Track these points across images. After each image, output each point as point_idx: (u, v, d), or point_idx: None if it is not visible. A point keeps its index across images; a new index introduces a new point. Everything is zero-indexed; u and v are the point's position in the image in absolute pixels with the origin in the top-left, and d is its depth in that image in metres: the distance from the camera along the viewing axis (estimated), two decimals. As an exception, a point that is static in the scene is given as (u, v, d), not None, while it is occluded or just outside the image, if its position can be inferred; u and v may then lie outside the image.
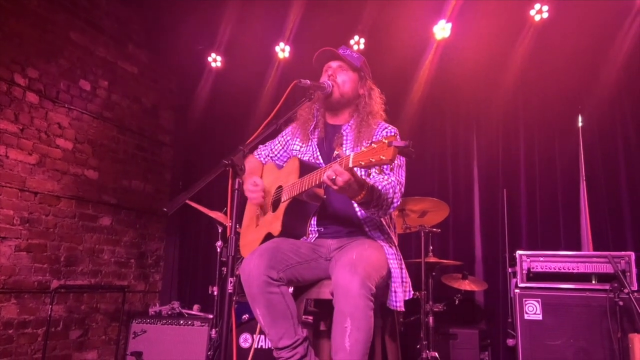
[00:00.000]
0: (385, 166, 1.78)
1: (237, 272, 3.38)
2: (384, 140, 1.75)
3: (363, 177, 2.05)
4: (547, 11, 4.40)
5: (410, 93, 4.83)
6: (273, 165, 2.66)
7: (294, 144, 2.58)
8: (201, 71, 5.73)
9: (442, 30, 4.68)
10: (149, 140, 5.76)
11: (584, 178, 4.34)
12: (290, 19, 5.09)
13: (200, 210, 4.09)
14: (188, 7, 5.14)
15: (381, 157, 1.74)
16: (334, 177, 1.88)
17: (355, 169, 1.88)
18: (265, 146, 2.73)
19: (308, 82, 2.28)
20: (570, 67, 4.45)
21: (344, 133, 2.43)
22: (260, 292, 2.08)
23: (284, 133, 2.66)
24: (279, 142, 2.66)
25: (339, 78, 2.40)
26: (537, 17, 4.44)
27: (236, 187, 1.85)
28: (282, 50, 5.28)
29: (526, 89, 4.65)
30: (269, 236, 2.36)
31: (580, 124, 4.44)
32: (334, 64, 2.45)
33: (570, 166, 4.40)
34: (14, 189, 4.28)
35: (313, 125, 2.51)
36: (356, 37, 4.99)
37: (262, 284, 2.07)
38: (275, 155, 2.67)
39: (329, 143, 2.45)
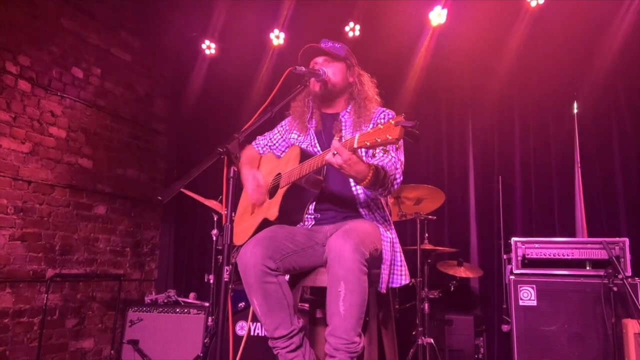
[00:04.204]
0: (391, 146, 1.78)
1: (233, 260, 3.38)
2: (390, 120, 1.75)
3: (364, 157, 2.04)
4: (543, -3, 4.38)
5: (406, 80, 4.80)
6: (272, 155, 2.65)
7: (292, 135, 2.58)
8: (195, 58, 5.68)
9: (437, 16, 4.64)
10: (143, 128, 5.72)
11: (579, 165, 4.34)
12: (285, 5, 5.05)
13: (196, 199, 4.07)
14: (181, -8, 5.10)
15: (387, 136, 1.74)
16: (335, 152, 1.89)
17: (359, 150, 1.88)
18: (264, 136, 2.72)
19: (303, 69, 2.28)
20: (566, 53, 4.43)
21: (343, 119, 2.42)
22: (257, 282, 2.08)
23: (283, 123, 2.66)
24: (278, 132, 2.66)
25: (327, 71, 2.39)
26: (533, 3, 4.42)
27: (231, 175, 1.84)
28: (277, 37, 5.24)
29: (522, 75, 4.63)
30: (265, 222, 2.35)
31: (575, 110, 4.43)
32: (319, 59, 2.44)
33: (565, 153, 4.39)
34: (7, 178, 4.25)
35: (309, 116, 2.50)
36: (351, 24, 4.95)
37: (259, 273, 2.07)
38: (274, 145, 2.67)
39: (327, 131, 2.45)
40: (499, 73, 4.61)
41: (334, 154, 1.90)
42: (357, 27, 4.95)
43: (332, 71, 2.39)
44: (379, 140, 1.76)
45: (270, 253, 2.11)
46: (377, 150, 1.88)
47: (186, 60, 5.81)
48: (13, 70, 4.32)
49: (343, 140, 1.92)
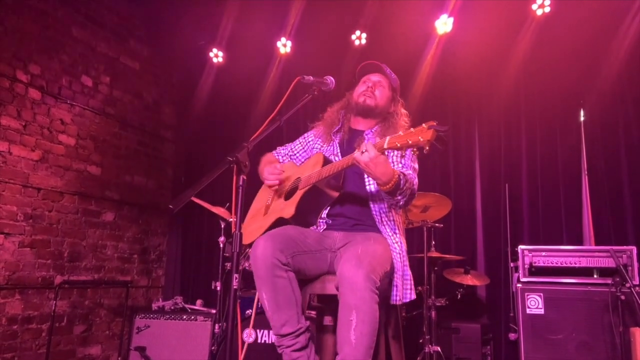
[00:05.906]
0: (409, 150, 1.82)
1: (241, 268, 3.40)
2: (423, 124, 1.80)
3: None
4: (549, 5, 4.39)
5: (412, 88, 4.81)
6: (292, 163, 2.72)
7: (316, 143, 2.66)
8: (203, 66, 5.72)
9: (444, 24, 4.66)
10: (150, 135, 5.76)
11: (586, 172, 4.33)
12: (292, 14, 5.08)
13: (203, 206, 4.09)
14: (189, 1, 5.14)
15: (419, 138, 1.78)
16: (364, 150, 1.95)
17: (386, 152, 1.94)
18: (285, 147, 2.81)
19: (311, 78, 2.31)
20: (573, 61, 4.44)
21: (366, 137, 2.51)
22: (268, 275, 2.09)
23: (305, 135, 2.75)
24: (300, 143, 2.76)
25: (377, 91, 2.54)
26: (539, 12, 4.43)
27: (240, 183, 1.86)
28: (284, 46, 5.27)
29: (528, 83, 4.64)
30: (279, 220, 2.39)
31: (582, 118, 4.43)
32: (374, 77, 2.58)
33: (572, 160, 4.39)
34: (17, 185, 4.29)
35: (337, 128, 2.60)
36: (358, 32, 4.99)
37: (270, 265, 2.09)
38: (295, 154, 2.74)
39: (350, 144, 2.52)
40: (505, 81, 4.62)
41: (362, 152, 1.96)
42: (364, 35, 4.98)
43: (380, 94, 2.55)
44: (410, 141, 1.81)
45: (282, 247, 2.13)
46: (395, 154, 1.86)
47: (194, 68, 5.86)
48: (24, 78, 4.38)
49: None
